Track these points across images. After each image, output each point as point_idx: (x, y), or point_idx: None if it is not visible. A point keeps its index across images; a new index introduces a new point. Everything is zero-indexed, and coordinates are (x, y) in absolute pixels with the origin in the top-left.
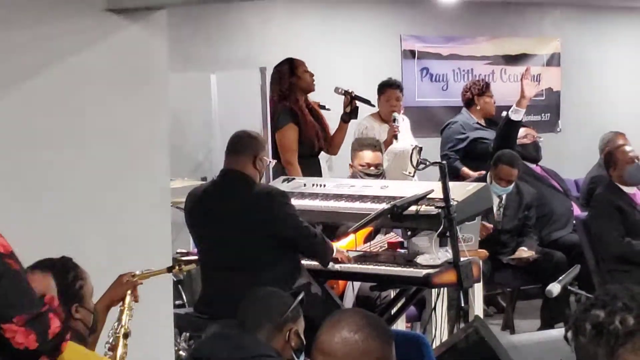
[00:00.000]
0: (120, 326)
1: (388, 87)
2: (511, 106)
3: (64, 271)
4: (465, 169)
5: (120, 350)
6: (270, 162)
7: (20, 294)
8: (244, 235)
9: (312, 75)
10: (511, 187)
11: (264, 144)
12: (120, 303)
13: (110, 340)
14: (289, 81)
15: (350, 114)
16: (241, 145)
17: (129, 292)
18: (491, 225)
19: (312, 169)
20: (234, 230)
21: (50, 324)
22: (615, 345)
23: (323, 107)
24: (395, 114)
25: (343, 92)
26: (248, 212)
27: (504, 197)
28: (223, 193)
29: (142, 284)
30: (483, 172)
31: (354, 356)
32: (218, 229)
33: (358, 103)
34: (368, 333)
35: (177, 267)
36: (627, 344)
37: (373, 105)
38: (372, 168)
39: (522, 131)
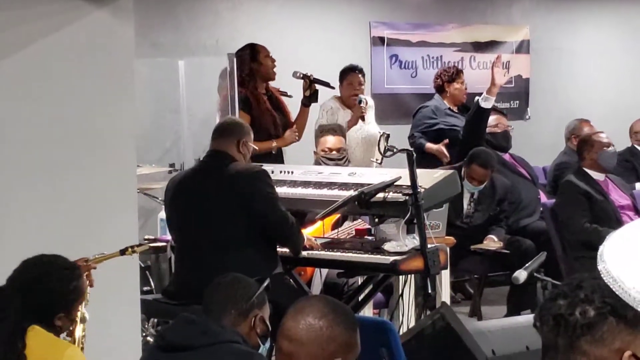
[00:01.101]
0: None
1: (350, 72)
2: (480, 93)
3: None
4: (429, 144)
5: (78, 334)
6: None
7: None
8: (220, 214)
9: (273, 61)
10: (482, 186)
11: (249, 130)
12: None
13: None
14: (249, 67)
15: (310, 97)
16: (225, 129)
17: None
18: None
19: (271, 157)
20: (211, 209)
21: None
22: (573, 337)
23: (284, 94)
24: (361, 96)
25: (301, 75)
26: (227, 188)
27: (476, 193)
28: (206, 171)
29: (95, 268)
30: (447, 141)
31: (319, 342)
32: (196, 208)
33: (318, 86)
34: (332, 319)
35: (129, 249)
36: (587, 336)
37: (333, 87)
38: (333, 152)
39: (493, 119)
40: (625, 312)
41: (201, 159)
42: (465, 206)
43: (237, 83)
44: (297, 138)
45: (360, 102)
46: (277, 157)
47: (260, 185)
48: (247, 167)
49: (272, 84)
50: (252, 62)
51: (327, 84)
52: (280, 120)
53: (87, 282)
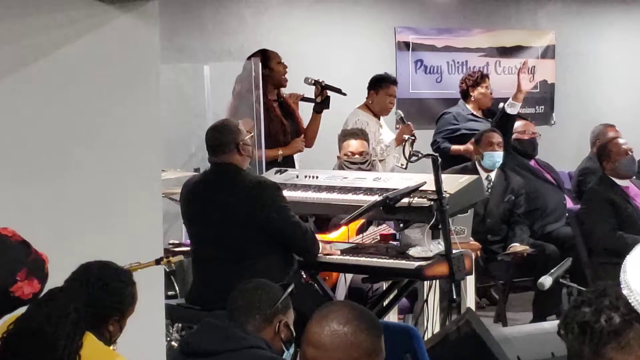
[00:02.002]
0: None
1: (390, 83)
2: (505, 98)
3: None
4: (454, 147)
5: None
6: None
7: None
8: (234, 227)
9: (285, 67)
10: (501, 152)
11: (239, 128)
12: None
13: None
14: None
15: (321, 103)
16: (220, 141)
17: None
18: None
19: (284, 162)
20: (225, 222)
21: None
22: (599, 344)
23: (308, 100)
24: (399, 111)
25: (313, 82)
26: (239, 202)
27: (492, 176)
28: (215, 185)
29: None
30: (473, 140)
31: (343, 348)
32: (210, 221)
33: (330, 92)
34: (357, 325)
35: (165, 259)
36: (613, 343)
37: (345, 94)
38: (356, 156)
39: (520, 125)
40: None
41: (205, 171)
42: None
43: (247, 89)
44: (302, 148)
45: (402, 119)
46: (288, 163)
47: (271, 199)
48: (256, 181)
49: (295, 89)
50: (263, 69)
51: (339, 90)
52: (291, 127)
53: None
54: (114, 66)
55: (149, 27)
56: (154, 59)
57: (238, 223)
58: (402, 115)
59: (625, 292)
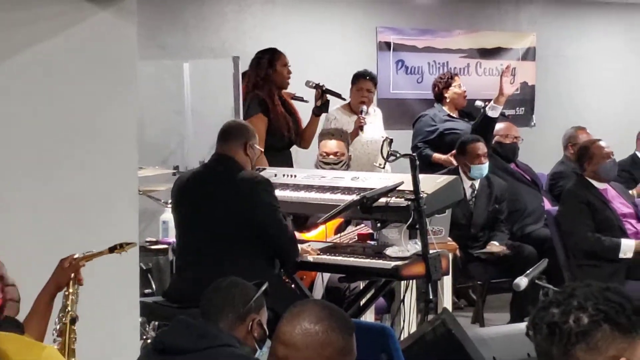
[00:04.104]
0: (67, 312)
1: (360, 78)
2: (486, 99)
3: None
4: (436, 155)
5: (68, 336)
6: (261, 150)
7: None
8: (222, 219)
9: (289, 72)
10: (487, 163)
11: (254, 132)
12: (65, 288)
13: (58, 327)
14: (265, 71)
15: (321, 107)
16: (232, 132)
17: (72, 275)
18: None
19: (282, 161)
20: (214, 213)
21: None
22: (568, 345)
23: (299, 98)
24: (363, 106)
25: (314, 85)
26: (231, 195)
27: (476, 184)
28: (211, 175)
29: (84, 266)
30: (454, 152)
31: (314, 347)
32: (199, 211)
33: (329, 97)
34: (328, 324)
35: (119, 247)
36: (581, 343)
37: (344, 99)
38: (330, 156)
39: (503, 127)
40: (619, 319)
41: (207, 161)
42: (468, 196)
43: (252, 85)
44: None
45: (361, 112)
46: (286, 163)
47: (263, 195)
48: (251, 176)
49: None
50: (268, 67)
51: (338, 95)
52: (293, 125)
53: (77, 281)
54: (92, 63)
55: (127, 24)
56: (132, 56)
57: (228, 216)
58: (317, 83)
59: None
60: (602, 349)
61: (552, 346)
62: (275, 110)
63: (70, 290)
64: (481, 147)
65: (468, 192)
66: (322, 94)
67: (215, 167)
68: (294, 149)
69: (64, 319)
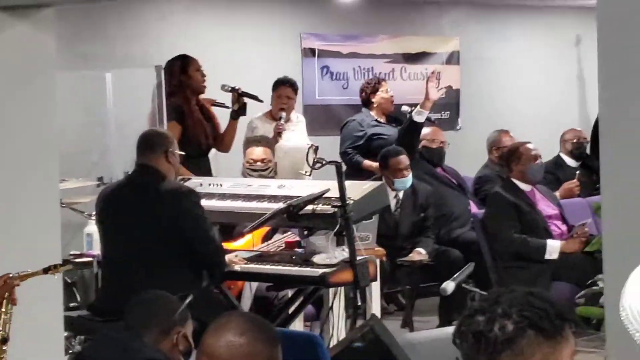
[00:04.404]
0: None
1: (280, 85)
2: (411, 104)
3: None
4: (366, 162)
5: None
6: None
7: None
8: (149, 230)
9: (204, 75)
10: (410, 175)
11: (173, 138)
12: None
13: None
14: (178, 78)
15: (238, 110)
16: (151, 142)
17: (6, 294)
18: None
19: (200, 168)
20: (140, 225)
21: None
22: (494, 353)
23: (220, 105)
24: (282, 113)
25: (230, 89)
26: (156, 206)
27: (401, 195)
28: (135, 187)
29: (19, 286)
30: None
31: (240, 359)
32: (125, 223)
33: (247, 99)
34: (253, 336)
35: (53, 268)
36: (507, 351)
37: (261, 101)
38: (258, 163)
39: (430, 132)
40: (543, 324)
41: (128, 173)
42: (392, 208)
43: (167, 93)
44: None
45: (280, 118)
46: (205, 169)
47: (189, 206)
48: (176, 187)
49: (206, 94)
50: (181, 74)
51: (255, 97)
52: (211, 131)
53: (10, 300)
54: (9, 74)
55: (45, 34)
56: (49, 66)
57: (153, 227)
58: (232, 87)
59: (621, 313)
60: (528, 355)
61: (479, 354)
62: (192, 117)
63: (3, 309)
64: (403, 161)
65: (392, 203)
66: (239, 97)
67: (139, 179)
68: (217, 157)
69: None
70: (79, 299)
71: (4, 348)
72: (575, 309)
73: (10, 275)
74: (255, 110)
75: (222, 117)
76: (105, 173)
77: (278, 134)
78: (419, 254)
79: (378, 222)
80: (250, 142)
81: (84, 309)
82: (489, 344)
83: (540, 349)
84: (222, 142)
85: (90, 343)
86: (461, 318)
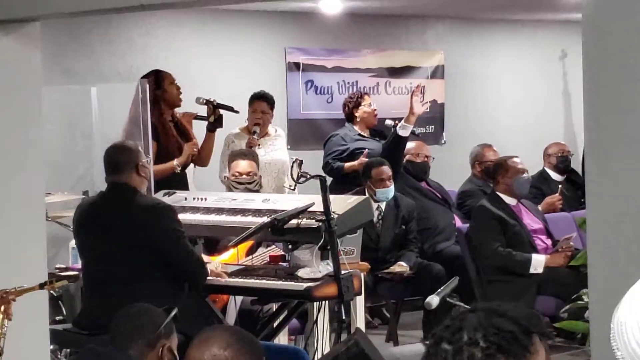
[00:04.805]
0: None
1: (255, 100)
2: (395, 118)
3: None
4: (347, 164)
5: None
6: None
7: None
8: (126, 248)
9: (178, 88)
10: (392, 186)
11: (139, 148)
12: None
13: None
14: (153, 94)
15: (214, 122)
16: (119, 159)
17: (1, 309)
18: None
19: (177, 183)
20: (117, 243)
21: None
22: None
23: (202, 118)
24: (256, 127)
25: (204, 101)
26: (133, 224)
27: (383, 206)
28: (110, 206)
29: (15, 301)
30: (367, 151)
31: None
32: (102, 241)
33: (223, 111)
34: (238, 349)
35: (49, 283)
36: None
37: (237, 112)
38: (243, 176)
39: (414, 146)
40: (511, 346)
41: (102, 191)
42: (374, 220)
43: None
44: (195, 150)
45: (254, 132)
46: (181, 184)
47: (165, 222)
48: (152, 203)
49: (183, 109)
50: (156, 89)
51: (231, 109)
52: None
53: (6, 315)
54: None
55: (31, 48)
56: (36, 81)
57: (130, 245)
58: (207, 99)
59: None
60: None
61: None
62: (165, 134)
63: None
64: (386, 171)
65: (374, 214)
66: (214, 109)
67: (113, 196)
68: (195, 172)
69: None
70: (64, 312)
71: None
72: (541, 316)
73: (7, 290)
74: (234, 124)
75: (200, 131)
76: (91, 187)
77: (250, 147)
78: (401, 266)
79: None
80: (236, 155)
81: (70, 323)
82: None
83: None
84: (200, 156)
85: (75, 356)
86: (427, 345)
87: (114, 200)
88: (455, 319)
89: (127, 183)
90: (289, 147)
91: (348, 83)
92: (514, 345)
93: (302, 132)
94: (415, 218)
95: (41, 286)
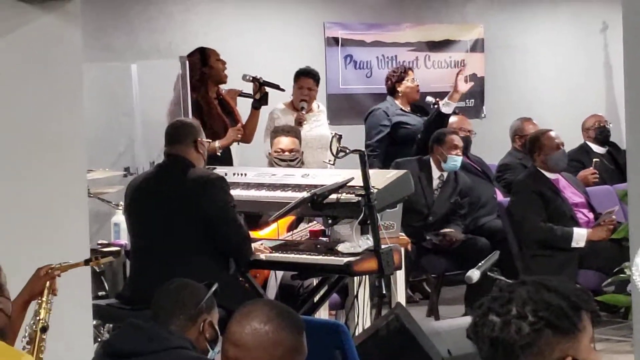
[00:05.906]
0: (38, 320)
1: (301, 76)
2: (435, 93)
3: None
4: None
5: (37, 344)
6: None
7: None
8: (176, 219)
9: (224, 63)
10: (461, 157)
11: (200, 127)
12: (39, 297)
13: (27, 334)
14: (200, 71)
15: (260, 100)
16: (179, 133)
17: (47, 285)
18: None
19: (222, 160)
20: (167, 213)
21: None
22: (512, 357)
23: (246, 95)
24: (303, 104)
25: (251, 78)
26: (184, 195)
27: (445, 176)
28: (164, 176)
29: (60, 277)
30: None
31: (265, 347)
32: (153, 212)
33: (268, 88)
34: (278, 324)
35: (94, 259)
36: (526, 352)
37: (283, 90)
38: (286, 153)
39: (455, 121)
40: (560, 323)
41: (158, 163)
42: (434, 186)
43: (190, 88)
44: (239, 137)
45: (302, 108)
46: (225, 160)
47: (216, 193)
48: (204, 174)
49: (230, 85)
50: (203, 67)
51: (277, 87)
52: (231, 124)
53: (51, 290)
54: (37, 66)
55: (71, 26)
56: (77, 58)
57: (181, 216)
58: (253, 77)
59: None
60: (547, 354)
61: (496, 357)
62: (210, 113)
63: (44, 299)
64: (458, 139)
65: (435, 182)
66: (260, 87)
67: (168, 168)
68: (240, 148)
69: (34, 327)
70: (107, 287)
71: (43, 337)
72: (590, 293)
73: (52, 266)
74: (277, 100)
75: (244, 107)
76: (132, 163)
77: (299, 124)
78: (452, 232)
79: (412, 199)
80: (278, 131)
81: (112, 298)
82: (506, 349)
83: (559, 346)
84: (244, 132)
85: (117, 331)
86: (475, 316)
87: (169, 171)
88: (504, 290)
89: (184, 156)
90: (328, 122)
91: (387, 57)
92: (562, 321)
93: (341, 107)
94: (469, 196)
95: (86, 262)
